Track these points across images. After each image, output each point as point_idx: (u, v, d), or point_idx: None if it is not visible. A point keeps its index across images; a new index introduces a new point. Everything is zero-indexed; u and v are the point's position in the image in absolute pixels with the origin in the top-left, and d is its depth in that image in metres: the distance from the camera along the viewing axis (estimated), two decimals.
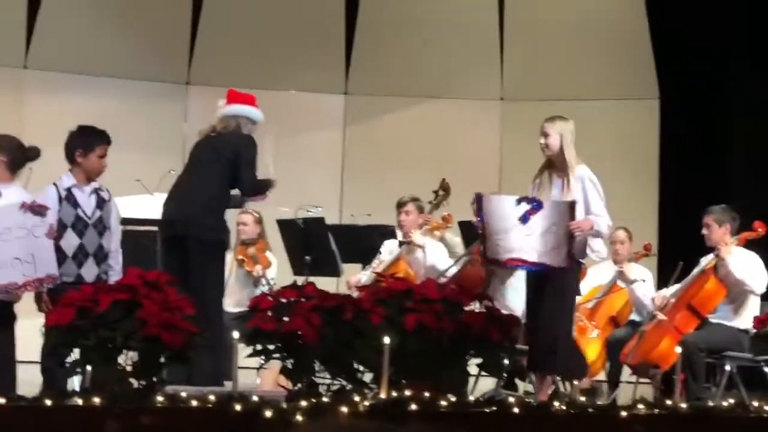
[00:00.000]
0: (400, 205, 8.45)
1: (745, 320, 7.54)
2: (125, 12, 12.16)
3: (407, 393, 5.02)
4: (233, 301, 8.56)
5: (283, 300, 5.43)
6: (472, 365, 5.96)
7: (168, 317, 5.13)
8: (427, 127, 12.51)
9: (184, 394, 4.85)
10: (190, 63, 12.48)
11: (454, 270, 8.00)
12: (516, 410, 5.07)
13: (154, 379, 5.15)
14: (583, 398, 5.42)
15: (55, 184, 6.51)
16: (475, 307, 6.11)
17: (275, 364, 5.58)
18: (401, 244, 8.40)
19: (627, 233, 8.77)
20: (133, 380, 5.14)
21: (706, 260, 7.71)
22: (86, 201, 6.49)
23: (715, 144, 11.20)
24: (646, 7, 12.06)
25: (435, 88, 12.49)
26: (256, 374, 6.78)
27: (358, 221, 9.91)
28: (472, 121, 12.51)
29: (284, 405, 4.80)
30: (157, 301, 5.17)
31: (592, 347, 8.30)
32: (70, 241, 6.38)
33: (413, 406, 4.91)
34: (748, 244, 7.71)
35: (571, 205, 6.51)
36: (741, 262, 7.56)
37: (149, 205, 8.44)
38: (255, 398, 4.80)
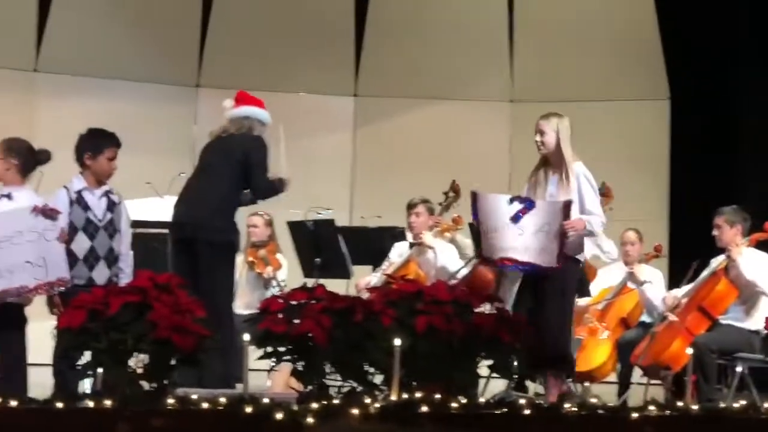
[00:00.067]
0: (411, 206, 8.45)
1: (757, 321, 7.52)
2: (135, 15, 12.18)
3: (418, 395, 5.02)
4: (243, 303, 8.57)
5: (294, 302, 5.43)
6: (483, 367, 5.96)
7: (178, 320, 5.14)
8: (437, 128, 12.51)
9: (194, 397, 4.86)
10: (199, 65, 12.50)
11: (464, 272, 8.00)
12: (526, 412, 5.07)
13: (165, 381, 5.16)
14: (594, 399, 5.41)
15: (65, 187, 6.52)
16: (486, 308, 6.11)
17: (286, 366, 5.58)
18: (411, 245, 8.39)
19: (637, 234, 8.76)
20: (143, 383, 5.15)
21: (717, 261, 7.69)
22: (97, 204, 6.50)
23: (725, 145, 11.18)
24: (656, 8, 12.05)
25: (444, 89, 12.49)
26: (267, 376, 6.79)
27: (368, 223, 9.90)
28: (481, 123, 12.51)
29: (295, 407, 4.80)
30: (168, 303, 5.17)
31: (602, 349, 8.29)
32: (81, 244, 6.40)
33: (424, 408, 4.91)
34: (759, 245, 7.69)
35: (566, 205, 6.50)
36: (752, 263, 7.54)
37: (159, 208, 8.45)
38: (266, 400, 4.81)
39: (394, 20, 12.66)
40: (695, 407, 5.41)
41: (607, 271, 8.77)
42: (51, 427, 4.69)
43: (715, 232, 7.67)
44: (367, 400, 4.90)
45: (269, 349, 5.35)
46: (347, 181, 12.59)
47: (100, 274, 6.41)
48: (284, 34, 12.46)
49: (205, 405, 4.79)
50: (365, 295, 6.13)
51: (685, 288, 7.85)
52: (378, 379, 5.43)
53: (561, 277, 6.55)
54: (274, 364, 5.46)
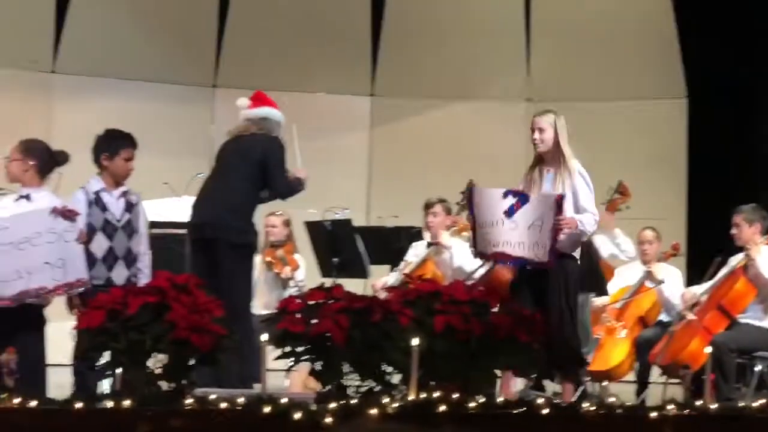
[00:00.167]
0: (428, 206, 8.45)
1: None
2: (152, 16, 12.22)
3: (436, 394, 5.02)
4: (262, 304, 8.58)
5: (312, 302, 5.43)
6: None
7: (197, 320, 5.15)
8: (454, 128, 12.51)
9: (213, 397, 4.87)
10: (216, 66, 12.52)
11: (481, 271, 7.99)
12: (544, 411, 5.06)
13: (184, 381, 5.17)
14: (612, 398, 5.40)
15: (83, 189, 6.54)
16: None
17: (304, 366, 5.58)
18: (429, 245, 8.40)
19: (655, 233, 8.74)
20: (162, 383, 5.16)
21: (736, 260, 7.67)
22: (115, 204, 6.52)
23: (743, 143, 11.15)
24: (673, 6, 12.02)
25: (461, 89, 12.49)
26: (285, 376, 6.80)
27: (385, 223, 9.91)
28: (498, 122, 12.50)
29: (313, 407, 4.81)
30: (186, 303, 5.18)
31: (620, 348, 8.28)
32: (100, 245, 6.42)
33: (442, 408, 4.91)
34: None
35: (558, 199, 6.44)
36: None
37: (177, 208, 8.46)
38: (284, 400, 4.81)
39: (410, 20, 12.66)
40: (714, 406, 5.39)
41: (625, 270, 8.75)
42: (70, 428, 4.71)
43: (733, 231, 7.65)
44: (385, 400, 4.90)
45: (287, 349, 5.35)
46: (364, 180, 12.59)
47: (119, 274, 6.43)
48: (301, 35, 12.47)
49: (223, 405, 4.80)
50: (382, 296, 6.13)
51: (705, 285, 7.83)
52: (396, 378, 5.43)
53: (562, 276, 6.51)
54: (292, 364, 5.46)
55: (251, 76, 11.59)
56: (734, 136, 11.21)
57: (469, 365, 5.42)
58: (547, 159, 6.70)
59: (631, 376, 8.53)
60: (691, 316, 7.69)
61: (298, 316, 5.36)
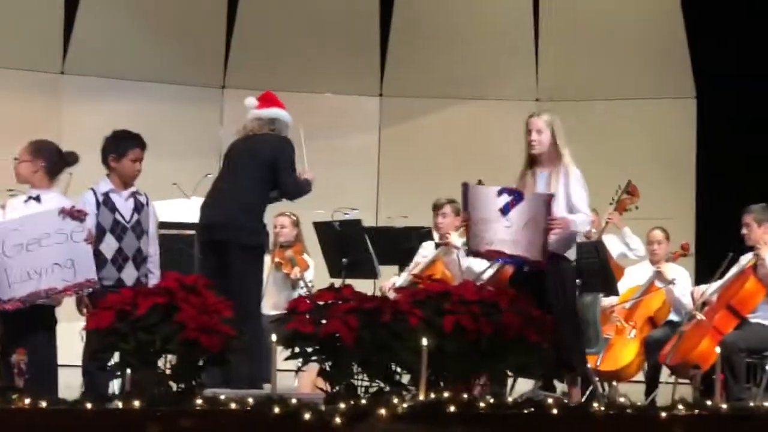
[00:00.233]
0: (437, 207, 8.45)
1: None
2: (161, 17, 12.23)
3: (445, 395, 5.02)
4: (271, 304, 8.58)
5: (321, 302, 5.43)
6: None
7: (206, 320, 5.15)
8: (463, 128, 12.51)
9: (222, 397, 4.87)
10: (225, 67, 12.53)
11: (490, 272, 7.99)
12: (554, 411, 5.06)
13: (193, 382, 5.17)
14: (622, 399, 5.40)
15: (92, 189, 6.54)
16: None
17: (313, 367, 5.58)
18: (438, 246, 8.39)
19: (664, 233, 8.73)
20: (172, 383, 5.16)
21: (746, 259, 7.66)
22: (124, 205, 6.52)
23: (752, 142, 11.12)
24: (682, 5, 12.01)
25: (470, 89, 12.49)
26: (294, 377, 6.80)
27: (394, 223, 9.91)
28: (507, 122, 12.46)
29: (323, 407, 4.81)
30: (195, 304, 5.19)
31: (629, 348, 8.28)
32: (109, 245, 6.42)
33: (451, 408, 4.91)
34: None
35: (548, 198, 6.41)
36: None
37: (186, 209, 8.47)
38: (293, 401, 4.81)
39: (419, 20, 12.66)
40: (724, 406, 5.38)
41: (635, 270, 8.75)
42: (80, 428, 4.71)
43: (744, 231, 7.64)
44: (395, 400, 4.90)
45: (297, 349, 5.36)
46: (373, 181, 12.60)
47: (129, 275, 6.43)
48: (309, 35, 12.48)
49: (233, 405, 4.80)
50: (391, 296, 6.13)
51: (715, 284, 7.81)
52: (405, 379, 5.43)
53: (557, 277, 6.48)
54: (301, 364, 5.46)
55: (260, 77, 11.59)
56: (743, 135, 11.18)
57: (478, 365, 5.42)
58: (542, 160, 6.66)
59: (640, 377, 8.52)
60: (700, 316, 7.68)
61: (308, 316, 5.36)
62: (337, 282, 7.40)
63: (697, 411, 5.24)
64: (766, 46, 11.14)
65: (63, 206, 6.12)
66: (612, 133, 12.27)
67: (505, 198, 6.43)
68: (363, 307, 5.34)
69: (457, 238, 8.23)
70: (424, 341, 5.12)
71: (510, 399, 5.26)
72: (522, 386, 7.46)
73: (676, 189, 11.91)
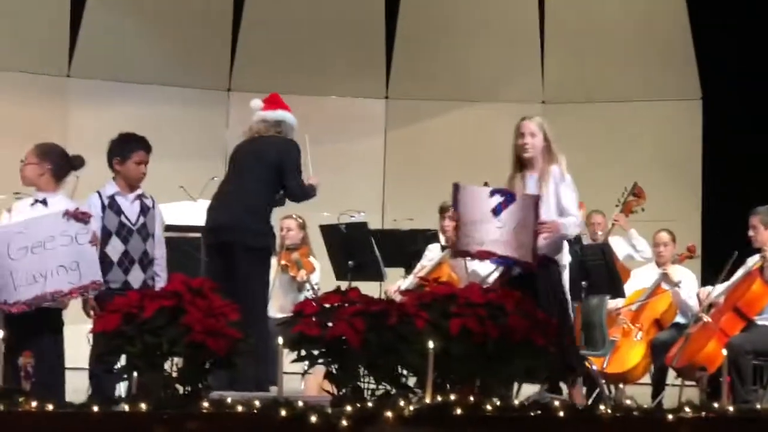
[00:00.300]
0: (443, 209, 8.45)
1: None
2: (167, 20, 12.25)
3: (452, 397, 5.02)
4: (277, 307, 8.59)
5: (327, 305, 5.43)
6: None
7: (212, 323, 5.15)
8: (468, 131, 12.51)
9: (229, 400, 4.87)
10: (231, 70, 12.55)
11: (496, 275, 7.98)
12: (561, 414, 5.06)
13: (200, 385, 5.17)
14: (628, 401, 5.39)
15: (98, 192, 6.55)
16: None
17: (319, 370, 5.58)
18: (444, 248, 8.39)
19: (670, 235, 8.73)
20: (178, 386, 5.17)
21: (753, 261, 7.66)
22: (129, 208, 6.53)
23: (758, 144, 11.12)
24: (687, 7, 12.00)
25: (476, 92, 12.49)
26: (301, 379, 6.80)
27: (400, 226, 9.92)
28: (513, 125, 12.44)
29: (329, 410, 4.81)
30: (202, 307, 5.19)
31: (636, 350, 8.28)
32: (116, 248, 6.42)
33: (458, 411, 4.91)
34: None
35: (536, 200, 6.39)
36: None
37: (192, 212, 8.48)
38: (300, 403, 4.81)
39: (424, 23, 12.67)
40: (731, 409, 5.38)
41: (641, 272, 8.75)
42: (87, 431, 4.71)
43: (750, 233, 7.64)
44: (401, 403, 4.90)
45: (303, 352, 5.35)
46: (379, 183, 12.60)
47: (135, 277, 6.44)
48: (315, 38, 12.49)
49: (239, 408, 4.80)
50: (397, 299, 6.13)
51: (720, 287, 7.81)
52: (412, 381, 5.43)
53: (548, 281, 6.47)
54: (307, 367, 5.46)
55: (266, 79, 11.60)
56: (749, 137, 11.18)
57: (485, 368, 5.42)
58: (532, 163, 6.64)
59: (646, 379, 8.52)
60: (707, 318, 7.68)
61: (314, 319, 5.36)
62: (344, 285, 7.40)
63: (703, 413, 5.23)
64: None
65: (67, 208, 6.13)
66: (618, 135, 12.27)
67: (497, 199, 6.41)
68: (369, 310, 5.33)
69: None
70: (431, 344, 5.11)
71: (516, 402, 5.25)
72: (528, 389, 7.46)
73: (682, 191, 11.90)
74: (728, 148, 11.47)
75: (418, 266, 8.47)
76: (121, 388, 6.24)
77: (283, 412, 4.75)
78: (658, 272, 8.55)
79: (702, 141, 12.08)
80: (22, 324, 5.93)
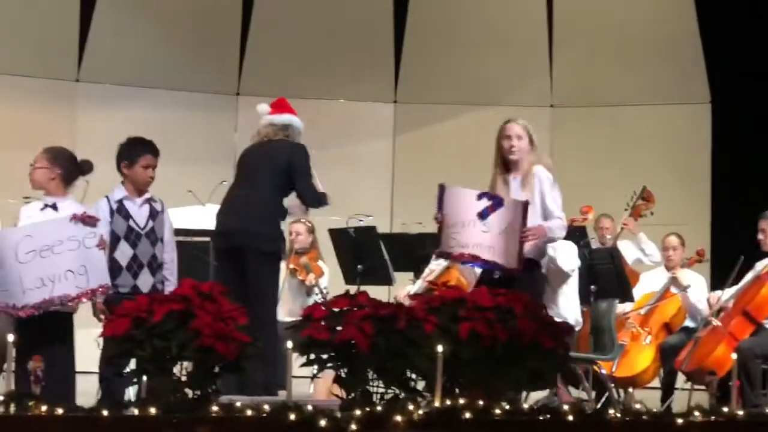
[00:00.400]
0: None
1: None
2: (175, 24, 12.27)
3: (461, 401, 5.02)
4: (286, 311, 8.59)
5: (336, 309, 5.43)
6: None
7: (221, 327, 5.15)
8: (477, 134, 12.48)
9: (238, 404, 4.88)
10: (240, 74, 12.57)
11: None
12: (570, 418, 5.05)
13: (209, 389, 5.18)
14: (638, 405, 5.39)
15: (107, 197, 6.55)
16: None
17: (328, 374, 5.59)
18: None
19: (679, 239, 8.72)
20: (188, 390, 5.17)
21: (762, 265, 7.65)
22: (138, 212, 6.53)
23: (767, 147, 11.11)
24: (696, 10, 11.99)
25: (484, 95, 12.49)
26: (310, 383, 6.80)
27: (409, 230, 9.92)
28: None
29: (338, 414, 4.81)
30: (211, 311, 5.19)
31: (645, 354, 8.27)
32: (124, 253, 6.42)
33: (467, 415, 4.91)
34: None
35: (525, 205, 6.36)
36: None
37: (201, 216, 8.49)
38: (309, 407, 4.81)
39: (433, 27, 12.67)
40: (740, 413, 5.37)
41: (650, 275, 8.74)
42: None
43: (759, 236, 7.63)
44: (410, 407, 4.90)
45: (312, 356, 5.36)
46: (388, 187, 12.61)
47: (144, 281, 6.44)
48: (324, 42, 12.50)
49: (249, 412, 4.81)
50: (406, 303, 6.13)
51: (729, 290, 7.80)
52: (421, 385, 5.43)
53: (529, 283, 6.42)
54: (316, 371, 5.46)
55: (274, 83, 11.61)
56: (759, 140, 11.16)
57: (494, 371, 5.41)
58: (517, 165, 6.62)
59: (656, 383, 8.51)
60: (716, 322, 7.67)
61: (323, 323, 5.36)
62: (352, 289, 7.40)
63: (713, 417, 5.23)
64: None
65: (74, 213, 6.13)
66: (627, 139, 12.26)
67: (485, 202, 6.38)
68: (378, 314, 5.33)
69: None
70: (440, 348, 5.12)
71: (526, 405, 5.25)
72: (536, 393, 7.45)
73: (692, 195, 11.89)
74: (737, 152, 11.46)
75: (427, 270, 8.46)
76: (131, 392, 6.25)
77: (293, 416, 4.75)
78: (668, 276, 8.54)
79: (711, 144, 12.07)
80: (33, 328, 5.94)
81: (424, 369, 5.27)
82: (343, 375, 5.35)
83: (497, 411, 4.98)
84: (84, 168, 6.47)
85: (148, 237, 6.51)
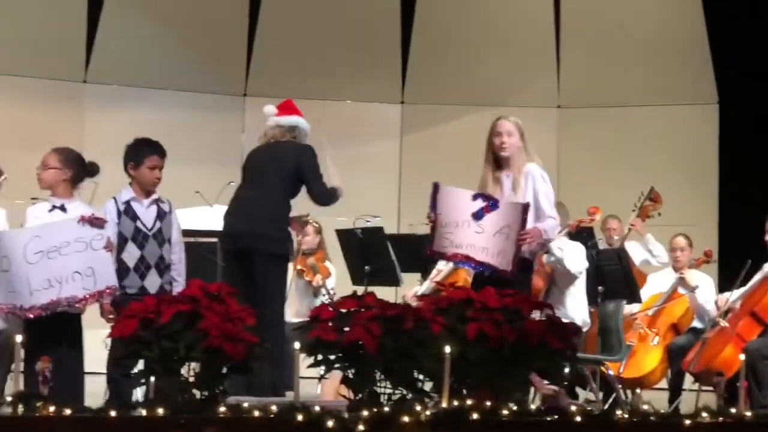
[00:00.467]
0: None
1: None
2: (183, 25, 12.28)
3: (468, 402, 5.01)
4: (293, 312, 8.60)
5: (343, 310, 5.43)
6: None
7: (229, 328, 5.16)
8: (484, 135, 12.45)
9: (246, 405, 4.88)
10: (247, 75, 12.57)
11: None
12: (577, 419, 5.05)
13: (217, 389, 5.18)
14: (645, 406, 5.38)
15: (114, 199, 6.56)
16: (536, 315, 6.06)
17: (336, 374, 5.59)
18: None
19: (687, 240, 8.72)
20: (195, 391, 5.18)
21: None
22: (145, 213, 6.53)
23: None
24: (704, 11, 11.98)
25: (491, 96, 12.48)
26: (317, 384, 6.80)
27: (416, 230, 9.91)
28: (529, 129, 12.41)
29: (346, 415, 4.81)
30: (219, 312, 5.19)
31: (653, 355, 8.26)
32: (131, 254, 6.43)
33: (474, 415, 4.90)
34: None
35: (525, 208, 6.33)
36: None
37: (209, 217, 8.50)
38: (317, 408, 4.82)
39: (440, 28, 12.67)
40: (748, 414, 5.36)
41: (657, 276, 8.73)
42: None
43: (767, 237, 7.62)
44: (418, 408, 4.90)
45: (319, 357, 5.36)
46: (395, 188, 12.61)
47: (152, 282, 6.44)
48: (331, 43, 12.51)
49: (256, 413, 4.81)
50: (414, 304, 6.12)
51: (737, 291, 7.79)
52: (428, 386, 5.43)
53: (525, 284, 6.41)
54: (324, 371, 5.46)
55: (281, 84, 11.63)
56: (767, 141, 11.15)
57: (501, 372, 5.41)
58: (508, 162, 6.58)
59: (663, 384, 8.50)
60: (723, 323, 7.66)
61: (330, 324, 5.36)
62: (360, 289, 7.40)
63: (720, 418, 5.22)
64: None
65: (82, 214, 6.14)
66: (634, 140, 12.25)
67: (480, 203, 6.34)
68: (385, 315, 5.33)
69: None
70: (447, 348, 5.11)
71: (533, 406, 5.25)
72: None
73: (699, 195, 11.88)
74: (745, 152, 11.44)
75: (434, 271, 8.46)
76: (139, 393, 6.25)
77: (300, 417, 4.75)
78: (675, 277, 8.54)
79: (718, 145, 12.05)
80: (41, 329, 5.95)
81: (432, 370, 5.27)
82: (350, 376, 5.35)
83: (505, 412, 4.97)
84: (91, 170, 6.47)
85: (156, 238, 6.51)
